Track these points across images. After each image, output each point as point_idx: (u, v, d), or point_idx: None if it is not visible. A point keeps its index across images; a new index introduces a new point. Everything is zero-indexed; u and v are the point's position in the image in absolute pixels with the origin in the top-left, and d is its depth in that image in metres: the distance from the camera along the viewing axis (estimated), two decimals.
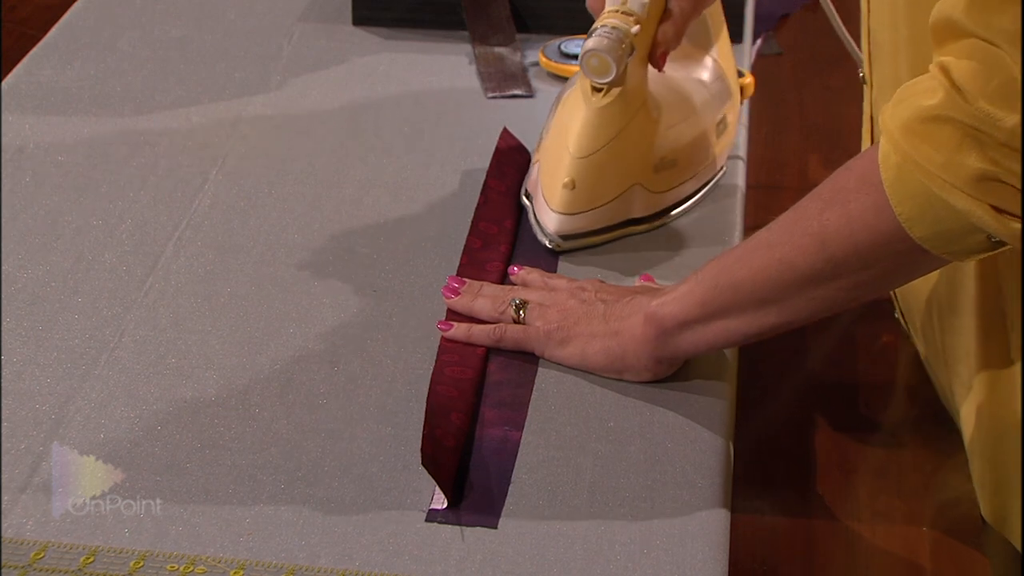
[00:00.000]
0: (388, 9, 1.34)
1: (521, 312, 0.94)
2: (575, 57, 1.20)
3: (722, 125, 1.12)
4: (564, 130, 1.03)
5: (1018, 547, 0.98)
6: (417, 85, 1.26)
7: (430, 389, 0.89)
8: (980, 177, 0.74)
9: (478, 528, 0.80)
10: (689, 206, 1.09)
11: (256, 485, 0.83)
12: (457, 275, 1.00)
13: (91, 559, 0.78)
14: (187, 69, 1.28)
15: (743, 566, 1.17)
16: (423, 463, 0.82)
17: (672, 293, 0.89)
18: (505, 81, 1.26)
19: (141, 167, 1.14)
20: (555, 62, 1.26)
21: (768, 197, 1.76)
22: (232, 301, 0.98)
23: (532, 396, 0.90)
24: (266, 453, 0.85)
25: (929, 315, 1.05)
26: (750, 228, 0.98)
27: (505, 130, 1.15)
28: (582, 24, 1.03)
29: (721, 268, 0.87)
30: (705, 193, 1.10)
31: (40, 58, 1.29)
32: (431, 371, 0.91)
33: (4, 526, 0.80)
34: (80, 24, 1.35)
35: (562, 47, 1.27)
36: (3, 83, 1.25)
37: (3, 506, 0.81)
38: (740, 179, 1.14)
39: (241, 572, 0.77)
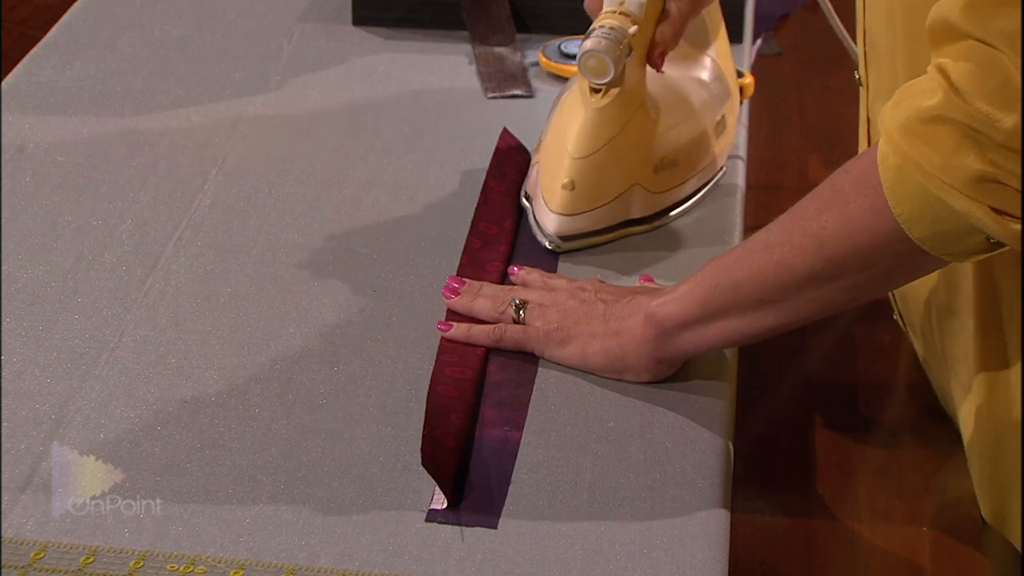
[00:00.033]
0: (388, 9, 1.34)
1: (521, 312, 0.94)
2: (575, 57, 1.20)
3: (721, 125, 1.12)
4: (563, 131, 1.03)
5: (1018, 547, 0.98)
6: (417, 85, 1.26)
7: (430, 389, 0.89)
8: (979, 178, 0.74)
9: (478, 528, 0.81)
10: (689, 206, 1.09)
11: (256, 485, 0.83)
12: (457, 275, 1.00)
13: (91, 559, 0.78)
14: (187, 69, 1.28)
15: (743, 566, 1.17)
16: (423, 463, 0.82)
17: (672, 293, 0.89)
18: (505, 81, 1.26)
19: (141, 167, 1.14)
20: (555, 62, 1.26)
21: (768, 197, 1.76)
22: (232, 301, 0.98)
23: (532, 396, 0.90)
24: (266, 453, 0.85)
25: (927, 316, 1.05)
26: (750, 228, 0.98)
27: (505, 130, 1.15)
28: (582, 24, 1.03)
29: (721, 268, 0.87)
30: (705, 193, 1.10)
31: (40, 58, 1.29)
32: (431, 371, 0.91)
33: (4, 526, 0.80)
34: (80, 24, 1.35)
35: (562, 47, 1.27)
36: (3, 83, 1.25)
37: (3, 506, 0.81)
38: (740, 179, 1.14)
39: (241, 572, 0.77)
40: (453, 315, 0.97)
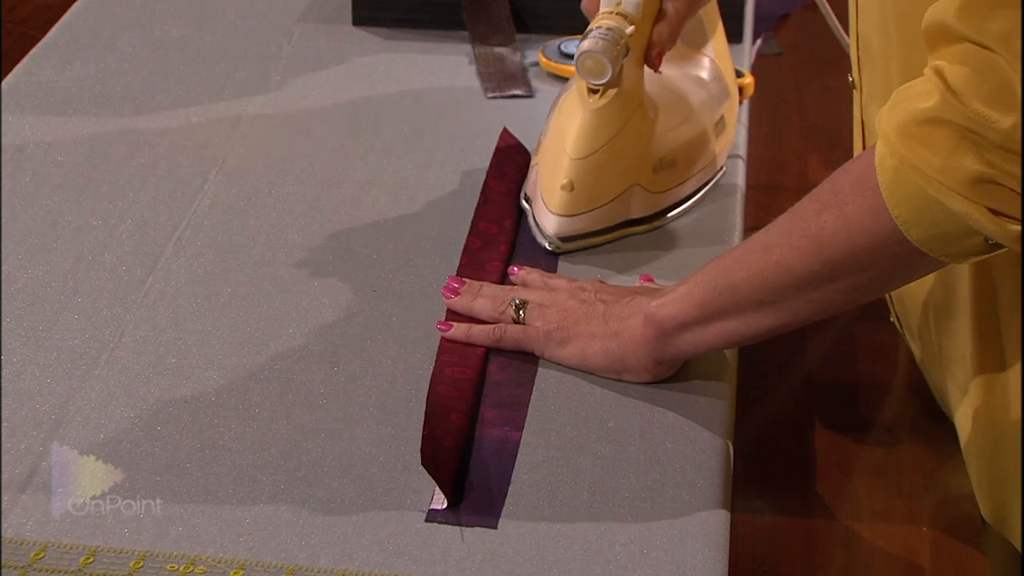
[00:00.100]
0: (388, 9, 1.34)
1: (521, 312, 0.94)
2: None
3: (720, 125, 1.12)
4: (562, 132, 1.03)
5: (1018, 547, 0.98)
6: (417, 85, 1.26)
7: (430, 389, 0.89)
8: (976, 179, 0.74)
9: (478, 528, 0.81)
10: (689, 206, 1.09)
11: (256, 485, 0.83)
12: (457, 275, 1.00)
13: (91, 559, 0.78)
14: (187, 69, 1.28)
15: (743, 566, 1.17)
16: (423, 463, 0.82)
17: (671, 294, 0.89)
18: (505, 81, 1.26)
19: (141, 167, 1.14)
20: (555, 62, 1.26)
21: (768, 197, 1.76)
22: (232, 301, 0.98)
23: (532, 396, 0.90)
24: (266, 453, 0.85)
25: (925, 318, 1.05)
26: (750, 228, 0.98)
27: (505, 130, 1.15)
28: (582, 24, 1.03)
29: (720, 269, 0.87)
30: (705, 193, 1.10)
31: (40, 58, 1.29)
32: (431, 371, 0.91)
33: (4, 526, 0.80)
34: (80, 24, 1.35)
35: (562, 47, 1.27)
36: (3, 83, 1.25)
37: (3, 506, 0.81)
38: (740, 179, 1.14)
39: (241, 572, 0.78)
40: (453, 315, 0.97)
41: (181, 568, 0.78)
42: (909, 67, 0.88)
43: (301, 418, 0.88)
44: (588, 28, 1.00)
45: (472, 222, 1.06)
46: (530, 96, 1.24)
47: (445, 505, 0.82)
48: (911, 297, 1.07)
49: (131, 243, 1.04)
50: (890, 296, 1.13)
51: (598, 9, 1.02)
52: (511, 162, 1.12)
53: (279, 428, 0.87)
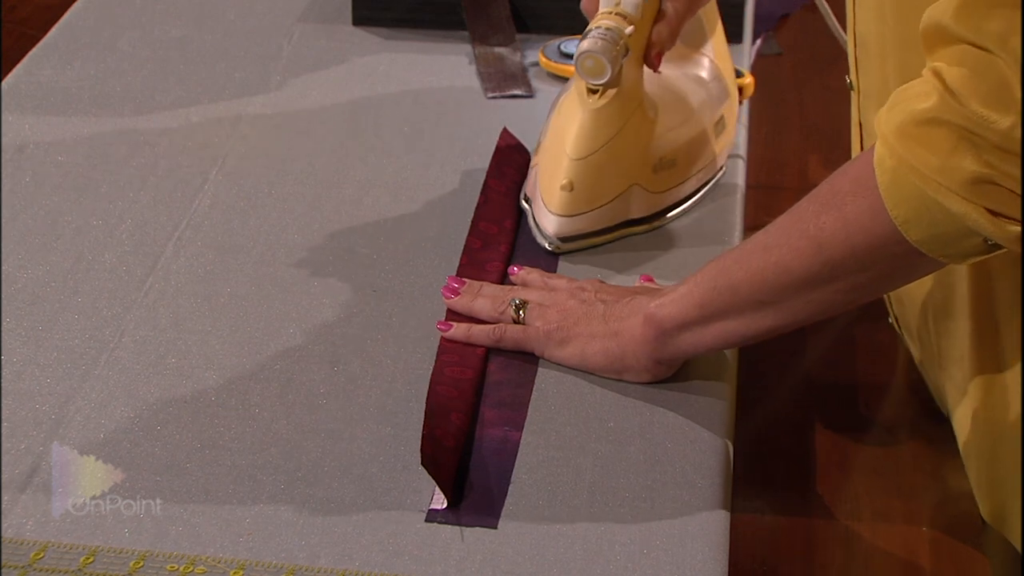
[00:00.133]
0: (388, 9, 1.34)
1: (521, 312, 0.94)
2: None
3: (720, 125, 1.12)
4: (561, 132, 1.03)
5: (1018, 547, 0.98)
6: (417, 85, 1.26)
7: (430, 389, 0.89)
8: (975, 180, 0.74)
9: (478, 528, 0.81)
10: (689, 206, 1.09)
11: (256, 485, 0.83)
12: (457, 275, 1.00)
13: (91, 559, 0.78)
14: (187, 69, 1.28)
15: (743, 566, 1.17)
16: (423, 463, 0.82)
17: (671, 294, 0.89)
18: (505, 81, 1.26)
19: (141, 167, 1.14)
20: (555, 62, 1.26)
21: (768, 197, 1.76)
22: (232, 301, 0.99)
23: (532, 396, 0.90)
24: (266, 453, 0.85)
25: (923, 319, 1.05)
26: (750, 228, 0.98)
27: (505, 130, 1.16)
28: (582, 24, 1.03)
29: (719, 270, 0.87)
30: (705, 193, 1.10)
31: (40, 58, 1.29)
32: (431, 371, 0.91)
33: (4, 526, 0.80)
34: (80, 24, 1.35)
35: (562, 47, 1.27)
36: (3, 83, 1.25)
37: (3, 506, 0.81)
38: (740, 179, 1.14)
39: (241, 572, 0.78)
40: (453, 315, 0.97)
41: (181, 568, 0.78)
42: (906, 68, 0.88)
43: (301, 418, 0.88)
44: (587, 28, 1.00)
45: (472, 222, 1.06)
46: (530, 96, 1.24)
47: (445, 505, 0.82)
48: (910, 298, 1.07)
49: (131, 243, 1.04)
50: (889, 297, 1.13)
51: (597, 9, 1.02)
52: (511, 162, 1.12)
53: (279, 428, 0.87)
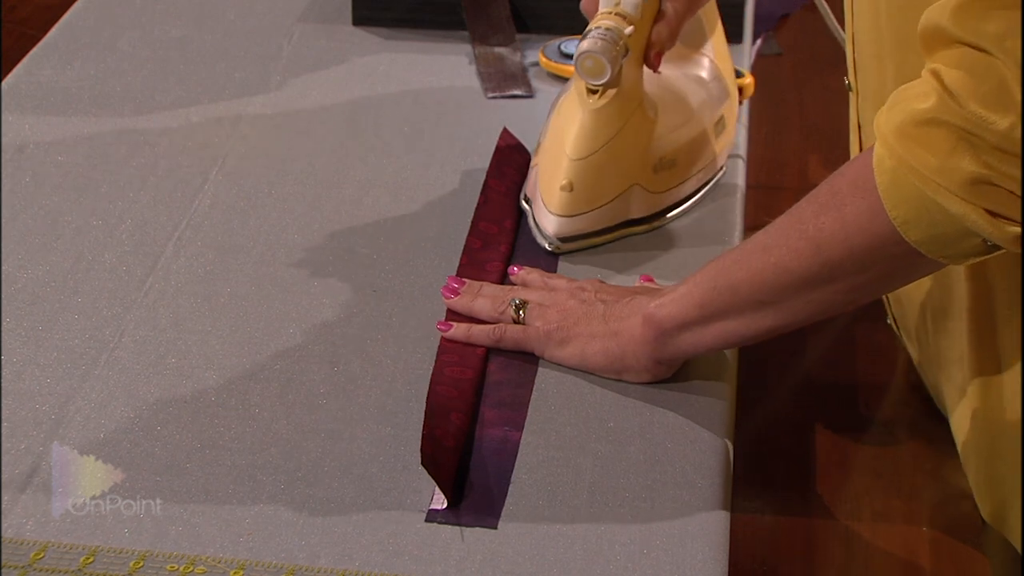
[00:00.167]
0: (388, 9, 1.34)
1: (521, 312, 0.94)
2: None
3: (720, 125, 1.12)
4: (561, 133, 1.03)
5: (1018, 547, 0.98)
6: (417, 85, 1.26)
7: (430, 389, 0.89)
8: (974, 180, 0.74)
9: (478, 528, 0.81)
10: (689, 206, 1.09)
11: (256, 485, 0.83)
12: (457, 275, 1.00)
13: (91, 559, 0.78)
14: (187, 69, 1.28)
15: (743, 566, 1.17)
16: (423, 463, 0.82)
17: (671, 294, 0.89)
18: (505, 81, 1.26)
19: (141, 167, 1.14)
20: (555, 62, 1.26)
21: (768, 197, 1.76)
22: (232, 301, 0.99)
23: (532, 396, 0.91)
24: (266, 453, 0.85)
25: (922, 319, 1.05)
26: (750, 228, 0.98)
27: (505, 130, 1.16)
28: (582, 24, 1.03)
29: (719, 270, 0.87)
30: (705, 193, 1.10)
31: (40, 58, 1.29)
32: (431, 371, 0.91)
33: (4, 526, 0.80)
34: (80, 24, 1.35)
35: (562, 47, 1.27)
36: (3, 83, 1.25)
37: (3, 506, 0.81)
38: (740, 179, 1.14)
39: (241, 572, 0.78)
40: (453, 315, 0.97)
41: (181, 568, 0.78)
42: (904, 69, 0.88)
43: (301, 418, 0.88)
44: (587, 28, 1.00)
45: (472, 222, 1.06)
46: (530, 96, 1.24)
47: (445, 505, 0.82)
48: (908, 299, 1.07)
49: (131, 243, 1.04)
50: (887, 298, 1.13)
51: (597, 9, 1.02)
52: (511, 162, 1.12)
53: (279, 428, 0.87)
